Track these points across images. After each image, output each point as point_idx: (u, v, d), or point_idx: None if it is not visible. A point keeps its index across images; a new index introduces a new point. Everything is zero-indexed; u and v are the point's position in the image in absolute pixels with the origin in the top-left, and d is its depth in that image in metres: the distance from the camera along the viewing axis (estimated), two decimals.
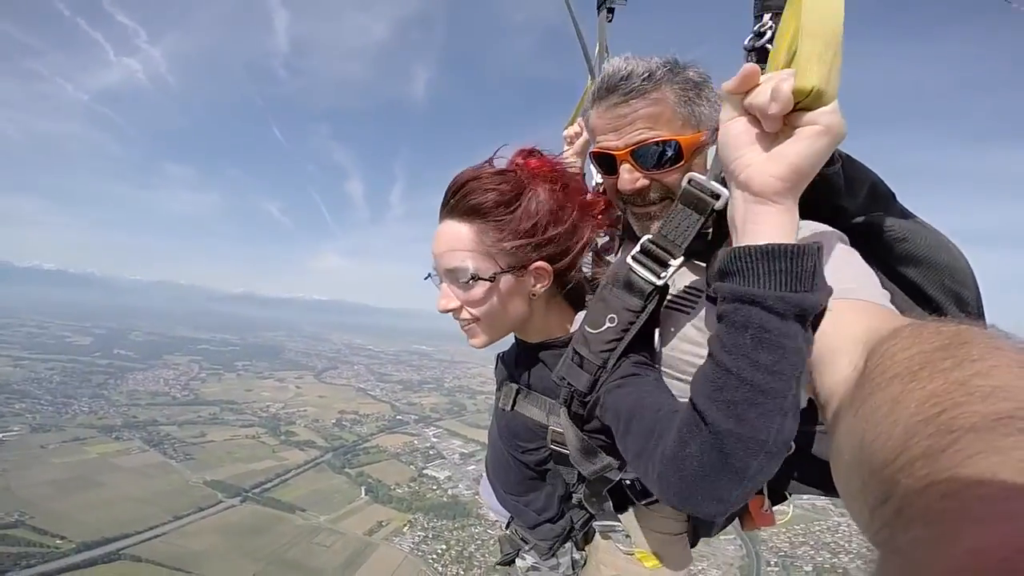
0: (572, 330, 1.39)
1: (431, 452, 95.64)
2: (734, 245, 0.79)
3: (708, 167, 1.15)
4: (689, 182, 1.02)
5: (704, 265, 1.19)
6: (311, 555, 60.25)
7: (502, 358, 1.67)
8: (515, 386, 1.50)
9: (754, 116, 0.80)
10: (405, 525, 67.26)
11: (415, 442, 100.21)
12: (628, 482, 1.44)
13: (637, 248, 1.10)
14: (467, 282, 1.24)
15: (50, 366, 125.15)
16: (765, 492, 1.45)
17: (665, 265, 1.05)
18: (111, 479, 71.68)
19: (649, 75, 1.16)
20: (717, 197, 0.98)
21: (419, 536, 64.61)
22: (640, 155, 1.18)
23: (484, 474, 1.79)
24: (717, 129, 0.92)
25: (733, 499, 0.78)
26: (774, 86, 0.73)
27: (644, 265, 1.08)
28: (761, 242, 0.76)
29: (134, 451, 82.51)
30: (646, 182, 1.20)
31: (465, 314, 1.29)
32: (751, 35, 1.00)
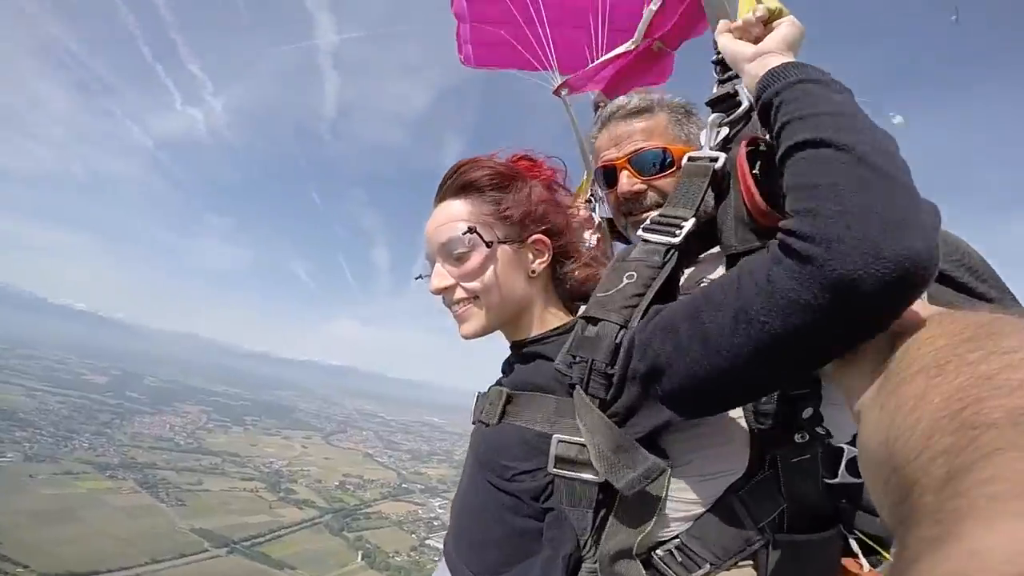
0: (570, 319, 1.23)
1: (435, 523, 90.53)
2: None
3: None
4: (688, 159, 1.12)
5: (713, 257, 1.17)
6: None
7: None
8: (503, 389, 1.16)
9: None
10: None
11: (419, 511, 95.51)
12: (662, 554, 0.99)
13: (647, 222, 1.09)
14: (463, 253, 1.16)
15: (60, 400, 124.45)
16: (856, 547, 1.11)
17: (678, 227, 1.03)
18: (93, 515, 68.79)
19: (645, 102, 1.46)
20: (715, 160, 1.07)
21: None
22: (636, 162, 1.40)
23: (440, 559, 1.24)
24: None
25: (920, 221, 0.66)
26: (753, 9, 1.04)
27: (656, 231, 1.06)
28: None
29: (126, 491, 79.76)
30: (643, 187, 1.39)
31: (460, 292, 1.18)
32: (715, 53, 1.19)
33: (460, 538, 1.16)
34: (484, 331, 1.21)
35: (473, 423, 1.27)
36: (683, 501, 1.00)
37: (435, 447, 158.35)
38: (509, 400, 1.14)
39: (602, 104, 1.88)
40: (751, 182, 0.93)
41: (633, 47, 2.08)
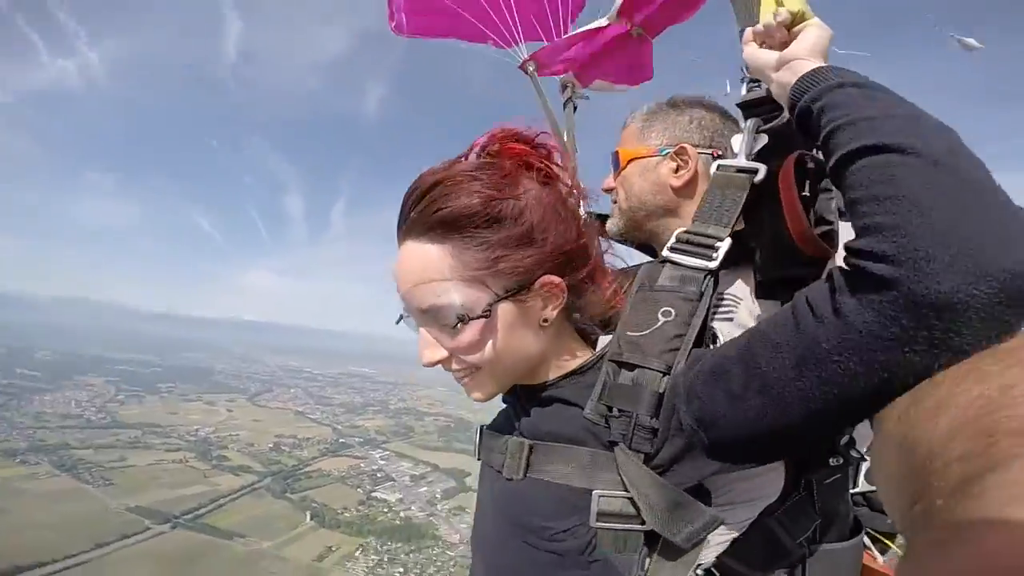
0: (591, 356, 1.03)
1: (379, 475, 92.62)
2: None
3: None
4: (718, 168, 1.05)
5: (737, 270, 1.10)
6: None
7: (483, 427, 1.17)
8: (524, 441, 0.97)
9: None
10: (357, 549, 64.50)
11: (361, 465, 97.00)
12: (700, 573, 1.00)
13: (672, 240, 1.00)
14: (454, 326, 0.91)
15: None
16: (869, 543, 1.28)
17: (712, 248, 0.94)
18: (15, 505, 64.39)
19: (629, 117, 1.43)
20: (755, 173, 0.99)
21: (373, 560, 62.16)
22: (613, 163, 1.40)
23: None
24: (671, 145, 1.27)
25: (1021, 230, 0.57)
26: (774, 12, 0.95)
27: (687, 253, 0.95)
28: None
29: (43, 475, 75.07)
30: (611, 184, 1.39)
31: (457, 364, 0.97)
32: None
33: None
34: (496, 394, 1.06)
35: (478, 459, 1.13)
36: (721, 528, 0.96)
37: (368, 398, 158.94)
38: (532, 451, 0.97)
39: (571, 85, 1.89)
40: (798, 205, 0.87)
41: (607, 23, 1.87)
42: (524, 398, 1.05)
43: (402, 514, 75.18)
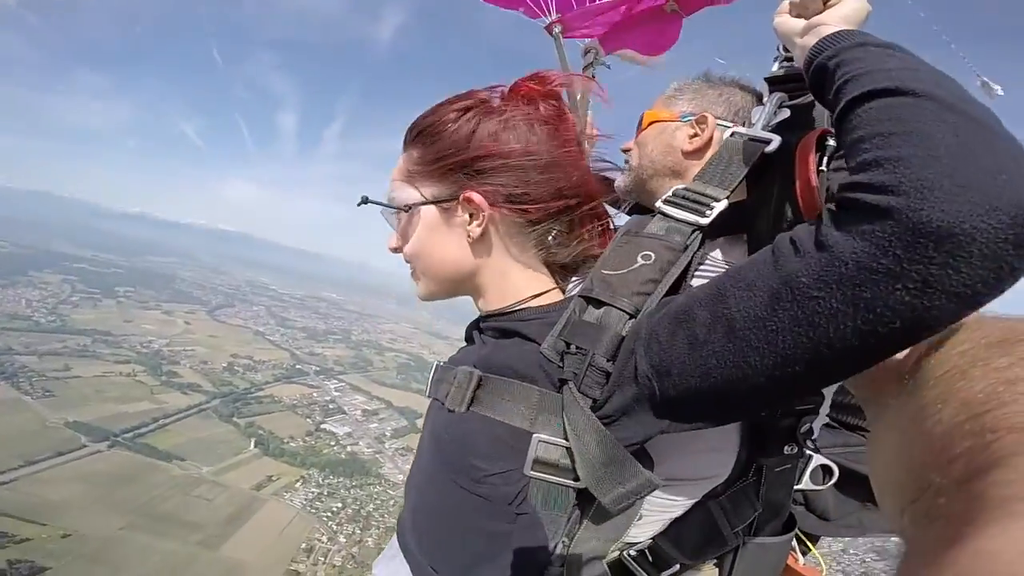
0: (560, 298, 1.03)
1: (331, 406, 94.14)
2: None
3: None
4: (732, 135, 1.03)
5: (739, 240, 1.09)
6: (189, 508, 57.52)
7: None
8: (473, 371, 0.94)
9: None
10: (297, 480, 66.11)
11: (314, 395, 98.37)
12: (634, 554, 1.00)
13: (668, 193, 0.96)
14: (395, 214, 1.07)
15: None
16: (795, 544, 1.29)
17: (708, 206, 0.91)
18: None
19: (672, 86, 1.41)
20: (767, 143, 0.96)
21: (312, 493, 63.77)
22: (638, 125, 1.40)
23: (389, 549, 1.11)
24: (693, 114, 1.27)
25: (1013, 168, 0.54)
26: None
27: (680, 207, 0.93)
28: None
29: None
30: (630, 145, 1.39)
31: (404, 254, 1.08)
32: None
33: (421, 534, 1.03)
34: (432, 296, 1.11)
35: (428, 396, 1.09)
36: (661, 504, 0.98)
37: (332, 325, 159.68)
38: (480, 384, 0.94)
39: (594, 51, 1.87)
40: (814, 177, 0.86)
41: None
42: (482, 324, 1.06)
43: (348, 448, 77.01)
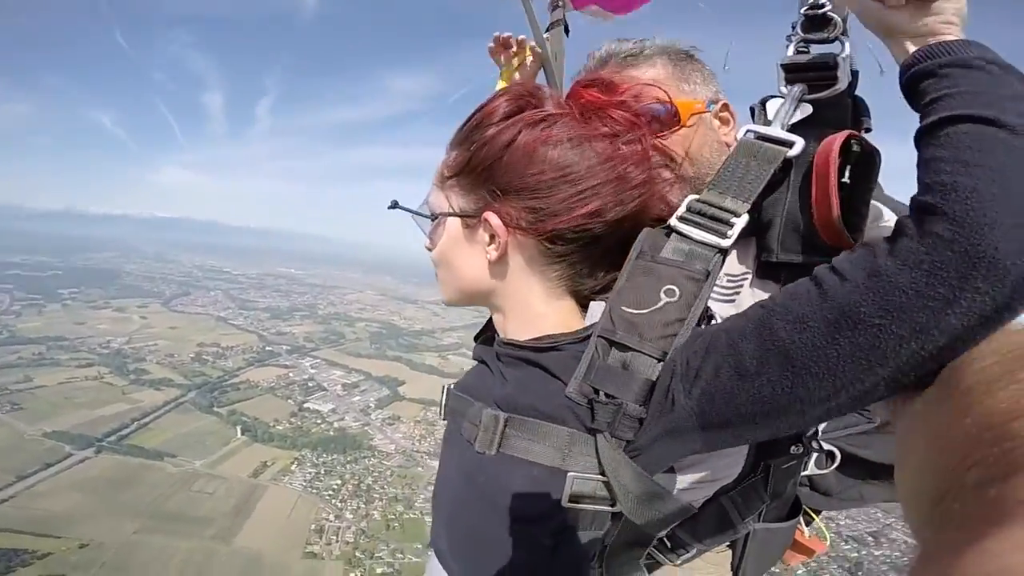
0: (581, 325, 1.00)
1: (310, 384, 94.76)
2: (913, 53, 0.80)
3: (702, 140, 1.20)
4: (746, 133, 0.94)
5: (743, 243, 1.05)
6: (194, 504, 58.37)
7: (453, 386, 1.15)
8: (500, 414, 0.93)
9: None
10: (292, 463, 67.30)
11: (291, 375, 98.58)
12: (655, 543, 1.11)
13: (683, 208, 0.91)
14: (429, 220, 1.06)
15: None
16: (800, 517, 1.37)
17: (728, 224, 0.87)
18: None
19: (639, 47, 1.28)
20: (789, 146, 0.90)
21: (310, 473, 65.13)
22: None
23: (431, 554, 1.16)
24: (715, 101, 1.15)
25: None
26: None
27: (699, 226, 0.88)
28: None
29: None
30: None
31: (431, 258, 1.09)
32: (807, 5, 0.97)
33: (459, 552, 1.05)
34: (452, 303, 1.08)
35: (443, 419, 1.11)
36: None
37: (295, 302, 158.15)
38: (507, 425, 0.91)
39: (561, 5, 1.73)
40: (835, 190, 0.82)
41: None
42: (503, 357, 1.02)
43: (336, 424, 78.12)
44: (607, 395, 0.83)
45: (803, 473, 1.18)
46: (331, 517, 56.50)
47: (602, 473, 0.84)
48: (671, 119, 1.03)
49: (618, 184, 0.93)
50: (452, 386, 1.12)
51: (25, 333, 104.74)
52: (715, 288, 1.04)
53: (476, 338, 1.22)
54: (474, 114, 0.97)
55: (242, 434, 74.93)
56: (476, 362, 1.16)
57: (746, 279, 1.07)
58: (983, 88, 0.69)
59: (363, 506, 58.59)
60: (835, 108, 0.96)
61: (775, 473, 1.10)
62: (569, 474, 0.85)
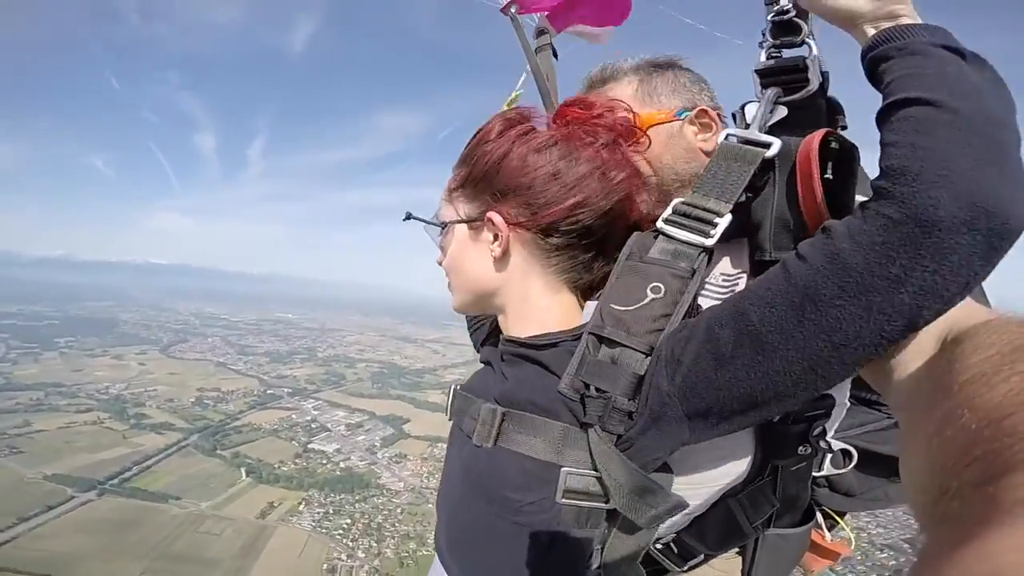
0: (579, 323, 1.06)
1: (314, 426, 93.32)
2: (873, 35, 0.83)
3: (681, 148, 1.25)
4: (727, 137, 0.99)
5: (737, 245, 1.09)
6: (202, 545, 56.42)
7: (462, 386, 1.21)
8: (497, 408, 0.99)
9: None
10: (300, 503, 65.66)
11: (293, 416, 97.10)
12: (660, 547, 1.11)
13: (668, 211, 0.97)
14: (438, 232, 1.16)
15: None
16: (821, 521, 1.36)
17: (711, 224, 0.92)
18: None
19: (609, 71, 1.38)
20: (767, 147, 0.93)
21: (318, 513, 63.46)
22: None
23: (436, 557, 1.17)
24: (688, 108, 1.23)
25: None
26: None
27: (684, 227, 0.93)
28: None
29: None
30: None
31: (443, 267, 1.17)
32: (773, 12, 1.01)
33: (458, 554, 1.08)
34: (464, 309, 1.17)
35: (449, 419, 1.16)
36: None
37: (294, 346, 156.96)
38: (504, 420, 0.97)
39: (547, 32, 1.81)
40: (818, 186, 0.84)
41: None
42: (505, 355, 1.09)
43: (342, 464, 76.46)
44: (597, 389, 0.86)
45: (820, 474, 1.15)
46: (343, 556, 54.73)
47: (594, 468, 0.87)
48: (628, 132, 1.11)
49: (601, 178, 1.03)
50: (459, 387, 1.19)
51: (22, 380, 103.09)
52: (712, 288, 1.08)
53: (483, 344, 1.27)
54: (474, 136, 1.10)
55: (247, 476, 73.23)
56: (483, 365, 1.22)
57: (742, 278, 1.09)
58: (932, 70, 0.73)
59: (375, 544, 56.83)
60: (809, 109, 0.99)
61: (784, 475, 1.09)
62: (562, 469, 0.88)
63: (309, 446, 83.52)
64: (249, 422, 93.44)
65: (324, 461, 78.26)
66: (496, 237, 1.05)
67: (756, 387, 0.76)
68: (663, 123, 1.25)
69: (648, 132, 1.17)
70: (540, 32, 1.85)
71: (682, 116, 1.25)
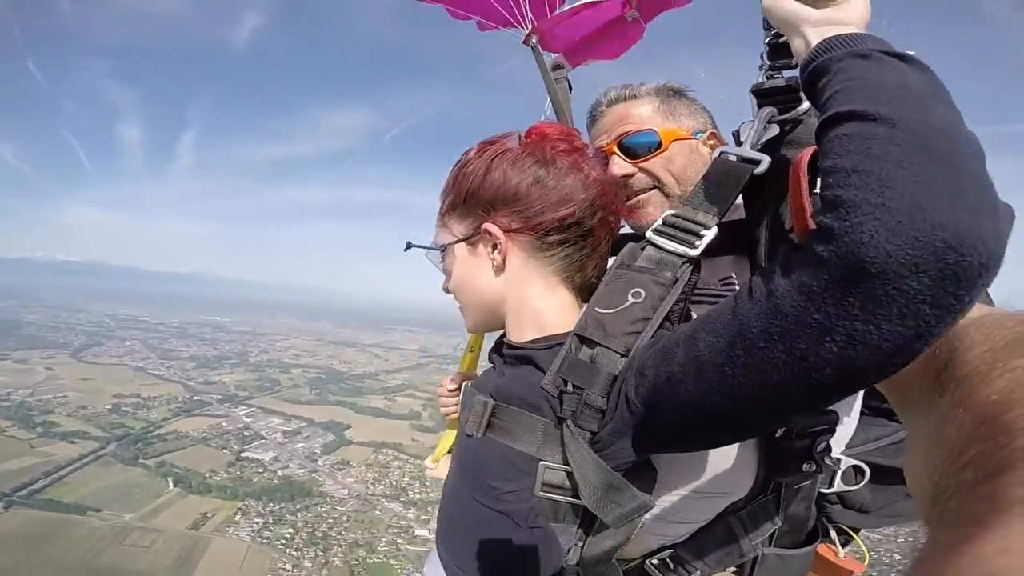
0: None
1: (247, 433, 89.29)
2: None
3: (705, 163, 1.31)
4: (720, 154, 1.01)
5: (732, 258, 1.13)
6: (130, 558, 52.54)
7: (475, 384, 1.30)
8: (489, 401, 1.07)
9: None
10: (236, 513, 62.60)
11: (224, 424, 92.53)
12: (656, 562, 1.10)
13: (659, 222, 1.00)
14: (438, 255, 1.23)
15: None
16: (834, 535, 1.38)
17: (697, 235, 0.94)
18: None
19: (628, 89, 1.47)
20: (756, 163, 0.95)
21: (257, 523, 60.70)
22: (625, 145, 1.39)
23: (433, 549, 1.28)
24: (702, 130, 1.32)
25: (978, 201, 0.55)
26: None
27: (670, 237, 0.96)
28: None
29: None
30: (632, 169, 1.38)
31: (450, 291, 1.24)
32: (770, 35, 1.04)
33: (447, 540, 1.19)
34: (477, 328, 1.23)
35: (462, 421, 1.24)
36: (681, 516, 1.04)
37: (223, 350, 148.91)
38: (493, 412, 1.05)
39: (563, 67, 1.89)
40: (807, 202, 0.83)
41: None
42: (507, 357, 1.16)
43: (280, 473, 73.49)
44: (574, 386, 0.90)
45: (831, 490, 1.16)
46: (288, 566, 52.35)
47: (567, 463, 0.91)
48: (586, 148, 1.21)
49: (577, 175, 1.11)
50: (469, 385, 1.28)
51: None
52: (706, 295, 1.08)
53: (493, 350, 1.32)
54: (455, 163, 1.18)
55: (175, 486, 68.93)
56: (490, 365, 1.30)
57: (734, 287, 1.11)
58: (866, 80, 0.68)
59: (321, 553, 54.70)
60: (802, 127, 1.03)
61: (787, 493, 1.08)
62: (541, 463, 0.94)
63: (243, 454, 79.83)
64: (175, 430, 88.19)
65: (260, 469, 74.91)
66: (495, 247, 1.11)
67: (694, 413, 0.77)
68: (683, 139, 1.36)
69: (671, 146, 1.33)
70: (556, 67, 1.96)
71: (697, 136, 1.36)
